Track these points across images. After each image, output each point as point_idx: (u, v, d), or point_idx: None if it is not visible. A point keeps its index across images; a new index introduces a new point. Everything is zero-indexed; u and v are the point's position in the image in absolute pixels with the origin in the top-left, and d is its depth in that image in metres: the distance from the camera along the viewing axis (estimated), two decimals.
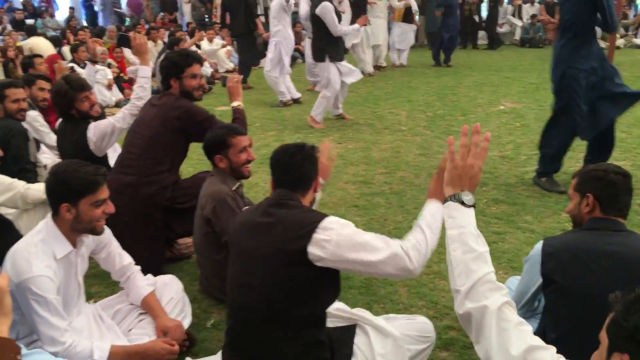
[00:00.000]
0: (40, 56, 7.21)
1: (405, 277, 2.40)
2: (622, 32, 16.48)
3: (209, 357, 2.70)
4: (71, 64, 8.52)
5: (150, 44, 10.25)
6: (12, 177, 3.50)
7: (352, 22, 8.68)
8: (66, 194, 2.40)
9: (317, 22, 7.23)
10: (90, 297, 3.22)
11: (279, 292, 2.19)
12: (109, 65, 9.72)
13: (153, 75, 6.00)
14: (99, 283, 3.47)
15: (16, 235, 3.02)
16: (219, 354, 2.58)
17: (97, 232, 2.54)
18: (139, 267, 2.88)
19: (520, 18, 17.55)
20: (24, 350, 1.71)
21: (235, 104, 3.82)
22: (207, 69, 11.59)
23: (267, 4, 13.78)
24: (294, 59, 11.91)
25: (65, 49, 10.67)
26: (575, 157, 5.59)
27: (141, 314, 2.81)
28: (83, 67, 8.49)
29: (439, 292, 3.32)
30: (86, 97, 3.83)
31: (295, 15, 11.09)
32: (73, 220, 2.43)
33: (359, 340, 2.37)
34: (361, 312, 2.58)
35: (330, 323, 2.41)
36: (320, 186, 2.48)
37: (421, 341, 2.49)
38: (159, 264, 3.56)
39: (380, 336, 2.37)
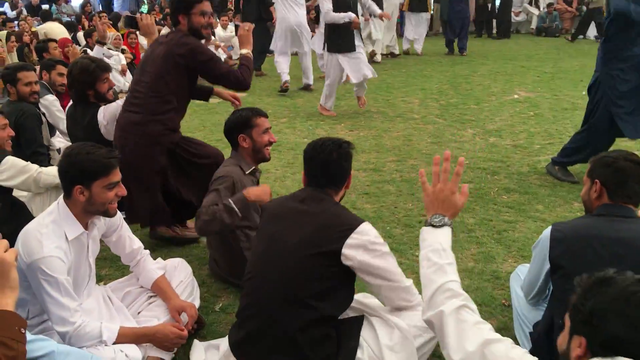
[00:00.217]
0: (55, 41, 7.26)
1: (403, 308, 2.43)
2: None
3: (217, 339, 2.73)
4: (85, 49, 8.56)
5: (164, 30, 10.24)
6: (25, 160, 3.53)
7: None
8: (79, 176, 2.42)
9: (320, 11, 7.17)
10: (101, 279, 3.25)
11: (300, 282, 2.24)
12: (123, 51, 9.74)
13: None
14: (110, 266, 3.50)
15: (28, 218, 3.06)
16: (227, 337, 2.61)
17: (109, 214, 2.56)
18: (148, 252, 2.91)
19: (537, 6, 17.31)
20: (28, 336, 1.73)
21: (244, 51, 3.83)
22: (221, 55, 11.58)
23: None
24: None
25: (80, 35, 10.72)
26: None
27: (151, 296, 2.83)
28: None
29: None
30: (107, 79, 3.86)
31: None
32: (86, 202, 2.45)
33: (365, 332, 2.37)
34: (367, 300, 2.59)
35: None
36: None
37: (428, 332, 2.48)
38: (155, 213, 3.64)
39: (387, 328, 2.37)
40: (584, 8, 15.62)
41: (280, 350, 2.28)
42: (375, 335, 2.35)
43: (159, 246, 3.80)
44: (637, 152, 2.62)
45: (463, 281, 3.27)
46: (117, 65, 9.07)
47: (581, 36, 15.04)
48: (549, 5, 16.70)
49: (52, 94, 4.98)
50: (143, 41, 10.87)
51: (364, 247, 2.21)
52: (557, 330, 1.58)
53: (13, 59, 8.46)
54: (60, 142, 4.93)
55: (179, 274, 2.93)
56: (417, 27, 12.55)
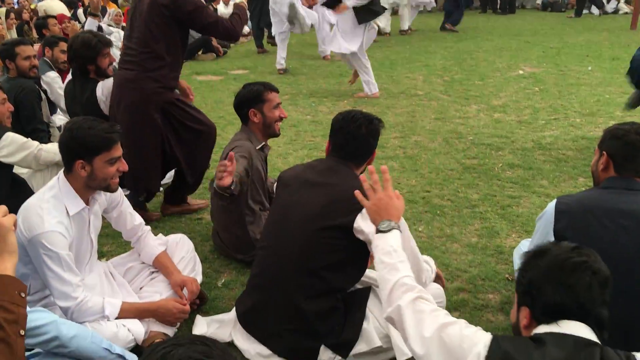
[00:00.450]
0: (54, 17, 7.19)
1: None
2: None
3: (219, 315, 2.73)
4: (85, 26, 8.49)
5: None
6: (26, 137, 3.50)
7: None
8: (81, 151, 2.39)
9: None
10: (102, 255, 3.25)
11: (312, 253, 2.26)
12: (123, 28, 9.66)
13: None
14: (111, 242, 3.50)
15: (29, 194, 3.02)
16: (231, 312, 2.61)
17: (111, 189, 2.54)
18: (149, 228, 2.90)
19: None
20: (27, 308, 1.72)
21: (238, 0, 3.82)
22: None
23: None
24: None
25: (80, 12, 10.63)
26: None
27: (153, 272, 2.83)
28: (100, 30, 8.46)
29: (450, 255, 3.31)
30: (108, 54, 3.82)
31: None
32: (87, 177, 2.42)
33: (371, 303, 2.39)
34: (373, 273, 2.59)
35: None
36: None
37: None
38: (146, 177, 3.61)
39: None
40: None
41: (287, 320, 2.30)
42: (381, 306, 2.35)
43: (160, 222, 3.79)
44: None
45: (466, 256, 3.28)
46: (117, 42, 8.98)
47: (586, 11, 14.84)
48: None
49: (54, 70, 4.94)
50: None
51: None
52: None
53: (12, 36, 8.41)
54: (61, 119, 4.90)
55: (181, 250, 2.92)
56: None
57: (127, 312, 2.47)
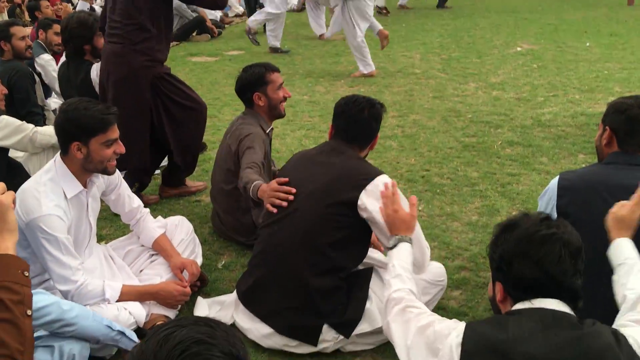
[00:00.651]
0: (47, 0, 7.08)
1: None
2: None
3: (220, 296, 2.73)
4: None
5: None
6: (20, 120, 3.47)
7: None
8: (77, 133, 2.35)
9: None
10: (102, 239, 3.22)
11: (318, 229, 2.28)
12: None
13: None
14: (110, 225, 3.47)
15: (25, 178, 3.00)
16: (232, 294, 2.61)
17: (108, 172, 2.51)
18: (147, 210, 2.87)
19: None
20: None
21: None
22: (216, 13, 11.34)
23: None
24: None
25: None
26: None
27: (152, 254, 2.81)
28: (92, 11, 8.35)
29: (451, 233, 3.30)
30: (102, 34, 3.76)
31: None
32: (83, 159, 2.39)
33: (374, 283, 2.39)
34: (375, 254, 2.61)
35: None
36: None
37: (435, 285, 2.54)
38: (138, 155, 3.53)
39: None
40: None
41: (290, 298, 2.30)
42: (384, 286, 2.36)
43: (159, 205, 3.77)
44: None
45: (467, 234, 3.27)
46: None
47: None
48: None
49: (48, 53, 4.88)
50: None
51: (378, 197, 2.18)
52: None
53: (4, 19, 8.29)
54: (55, 102, 4.85)
55: (180, 232, 2.90)
56: None
57: (128, 295, 2.46)
